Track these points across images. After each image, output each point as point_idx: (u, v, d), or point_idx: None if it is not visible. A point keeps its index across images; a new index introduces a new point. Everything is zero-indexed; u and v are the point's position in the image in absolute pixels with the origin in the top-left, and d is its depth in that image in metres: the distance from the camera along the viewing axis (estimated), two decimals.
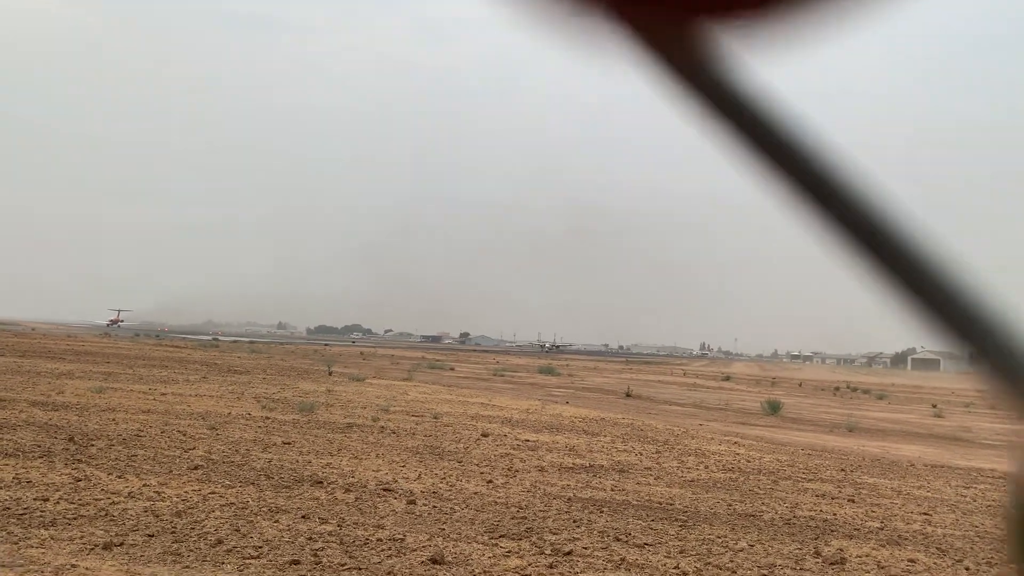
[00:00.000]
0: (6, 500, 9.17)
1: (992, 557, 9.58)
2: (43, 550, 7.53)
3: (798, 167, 0.48)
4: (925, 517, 11.81)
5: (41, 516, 8.66)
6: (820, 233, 0.48)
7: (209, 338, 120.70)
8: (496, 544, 8.76)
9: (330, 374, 38.12)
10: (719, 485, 13.43)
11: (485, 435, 17.65)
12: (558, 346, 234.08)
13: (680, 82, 0.48)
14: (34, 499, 9.29)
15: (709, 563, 8.53)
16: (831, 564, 8.81)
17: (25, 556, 7.30)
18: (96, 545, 7.77)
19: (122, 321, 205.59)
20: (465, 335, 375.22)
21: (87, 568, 7.07)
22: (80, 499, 9.45)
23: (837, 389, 62.49)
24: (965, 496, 13.92)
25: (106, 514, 8.91)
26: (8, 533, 7.97)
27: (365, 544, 8.42)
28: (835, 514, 11.61)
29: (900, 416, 36.73)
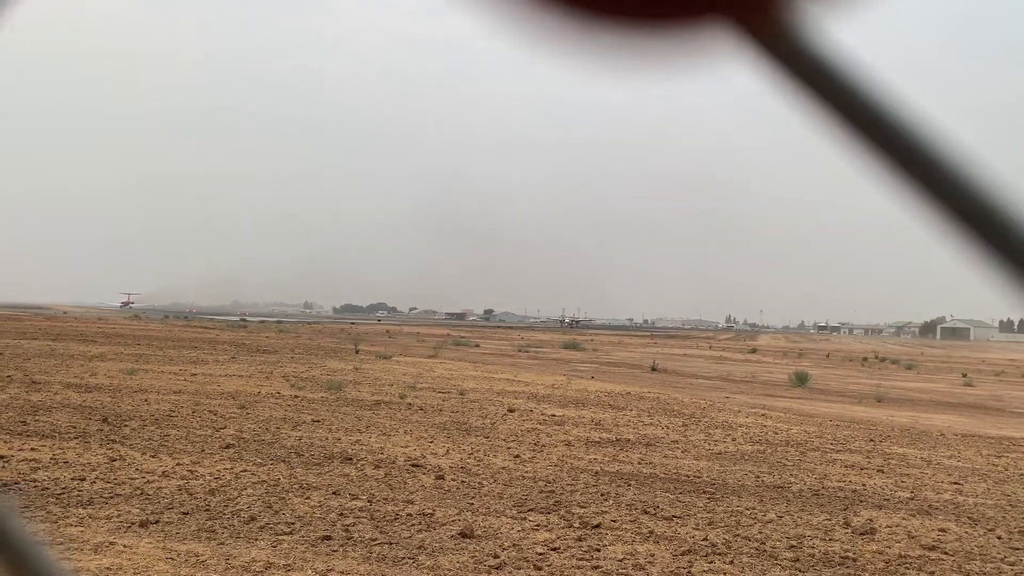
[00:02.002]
0: (44, 480, 9.39)
1: None
2: (82, 528, 7.72)
3: (891, 139, 0.44)
4: (956, 486, 11.71)
5: (79, 495, 8.86)
6: (910, 200, 0.45)
7: (237, 319, 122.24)
8: (525, 518, 8.82)
9: (357, 352, 38.42)
10: (747, 457, 13.41)
11: (511, 410, 17.73)
12: (578, 321, 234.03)
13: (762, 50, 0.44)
14: (71, 479, 9.50)
15: (738, 535, 8.53)
16: (861, 534, 8.77)
17: (65, 535, 7.48)
18: (133, 523, 7.94)
19: (133, 303, 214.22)
20: (489, 312, 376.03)
21: (125, 545, 7.23)
22: (116, 478, 9.65)
23: (865, 360, 61.90)
24: (997, 465, 13.77)
25: (141, 493, 9.10)
26: (47, 512, 8.17)
27: (395, 519, 8.52)
28: (864, 484, 11.55)
29: (929, 386, 36.34)
